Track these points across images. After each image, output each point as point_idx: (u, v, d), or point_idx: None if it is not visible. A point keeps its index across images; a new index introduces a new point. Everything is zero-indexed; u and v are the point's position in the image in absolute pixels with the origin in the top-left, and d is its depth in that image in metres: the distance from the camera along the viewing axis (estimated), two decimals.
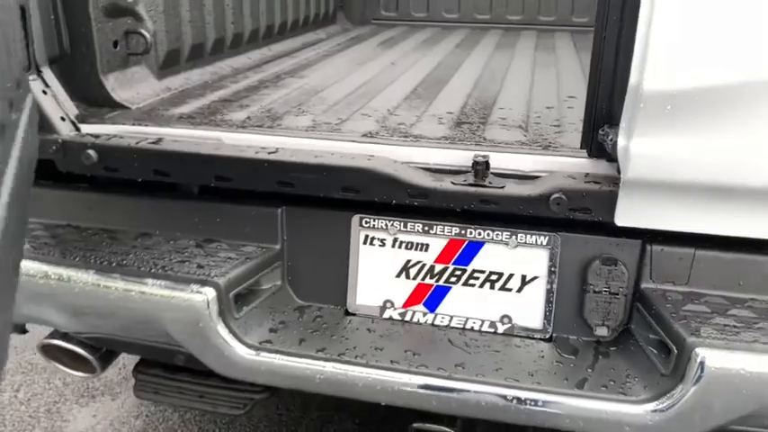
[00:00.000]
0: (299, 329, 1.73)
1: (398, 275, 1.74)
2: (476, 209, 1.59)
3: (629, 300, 1.63)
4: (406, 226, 1.71)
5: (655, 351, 1.54)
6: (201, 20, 2.50)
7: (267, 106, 2.09)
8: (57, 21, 1.85)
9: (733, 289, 1.57)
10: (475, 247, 1.69)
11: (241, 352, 1.64)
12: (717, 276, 1.57)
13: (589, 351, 1.65)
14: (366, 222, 1.73)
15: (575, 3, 4.03)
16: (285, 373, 1.63)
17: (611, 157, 1.52)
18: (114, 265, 1.70)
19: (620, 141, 1.43)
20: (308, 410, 2.89)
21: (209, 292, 1.62)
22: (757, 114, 1.32)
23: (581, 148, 1.62)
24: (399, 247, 1.73)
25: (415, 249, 1.72)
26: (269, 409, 2.87)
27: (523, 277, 1.69)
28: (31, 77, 1.74)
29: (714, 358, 1.38)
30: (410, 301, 1.75)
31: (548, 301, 1.68)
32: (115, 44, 2.03)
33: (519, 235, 1.67)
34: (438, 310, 1.74)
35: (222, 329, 1.64)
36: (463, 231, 1.69)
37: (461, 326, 1.73)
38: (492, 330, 1.71)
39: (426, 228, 1.70)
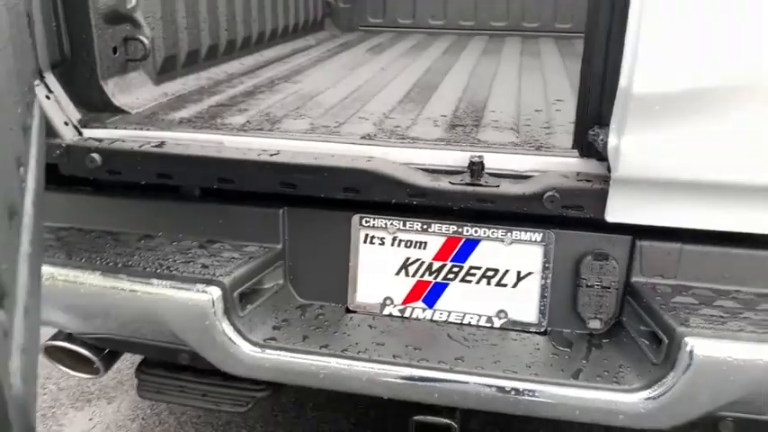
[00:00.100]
0: (302, 327, 1.78)
1: (398, 273, 1.80)
2: (473, 207, 1.65)
3: (621, 293, 1.70)
4: (405, 225, 1.77)
5: (646, 342, 1.61)
6: (197, 26, 2.55)
7: (265, 110, 2.14)
8: (58, 26, 1.89)
9: (718, 281, 1.64)
10: (471, 244, 1.75)
11: (246, 349, 1.68)
12: (703, 269, 1.65)
13: (583, 343, 1.71)
14: (366, 222, 1.78)
15: (557, 10, 4.12)
16: (290, 370, 1.67)
17: (602, 157, 1.59)
18: (120, 266, 1.74)
19: (611, 141, 1.50)
20: (303, 411, 2.92)
21: (215, 292, 1.66)
22: (737, 115, 1.40)
23: (572, 148, 1.69)
24: (398, 245, 1.79)
25: (414, 247, 1.78)
26: (265, 409, 2.90)
27: (518, 273, 1.75)
28: (34, 83, 1.77)
29: (703, 347, 1.45)
30: (409, 298, 1.81)
31: (542, 296, 1.75)
32: (114, 50, 2.06)
33: (514, 232, 1.73)
34: (436, 306, 1.80)
35: (228, 328, 1.68)
36: (460, 229, 1.75)
37: (459, 321, 1.79)
38: (489, 325, 1.78)
39: (425, 226, 1.76)
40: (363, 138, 1.84)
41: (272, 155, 1.74)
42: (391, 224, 1.77)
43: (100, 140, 1.83)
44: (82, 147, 1.81)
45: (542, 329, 1.76)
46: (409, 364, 1.63)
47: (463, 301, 1.78)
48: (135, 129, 1.90)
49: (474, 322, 1.78)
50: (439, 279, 1.78)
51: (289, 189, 1.72)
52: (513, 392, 1.57)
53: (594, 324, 1.72)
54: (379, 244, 1.79)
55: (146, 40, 2.14)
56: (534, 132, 1.93)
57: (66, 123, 1.86)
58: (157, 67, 2.31)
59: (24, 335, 0.94)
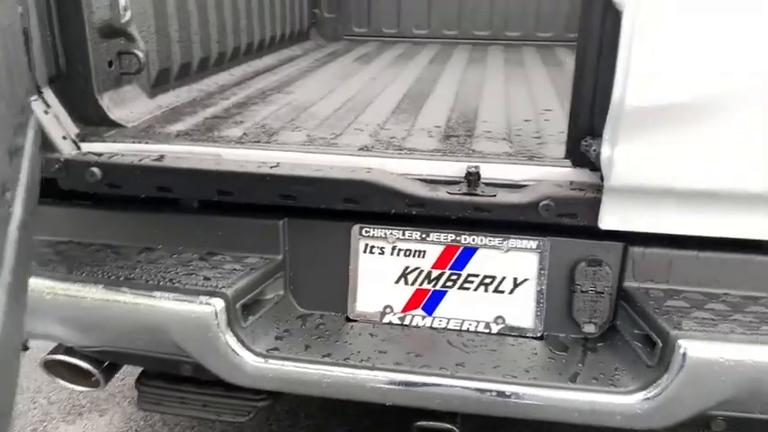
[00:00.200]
0: (304, 336, 1.80)
1: (397, 281, 1.84)
2: (470, 216, 1.69)
3: (614, 298, 1.75)
4: (404, 234, 1.81)
5: (640, 345, 1.67)
6: (189, 39, 2.56)
7: (260, 122, 2.16)
8: (53, 41, 1.90)
9: (708, 285, 1.71)
10: (469, 252, 1.80)
11: (250, 360, 1.70)
12: (693, 274, 1.71)
13: (578, 347, 1.76)
14: (366, 232, 1.82)
15: (539, 19, 4.21)
16: (294, 379, 1.70)
17: (594, 166, 1.65)
18: (122, 279, 1.75)
19: (604, 152, 1.56)
20: (297, 419, 2.94)
21: (218, 303, 1.68)
22: (724, 126, 1.47)
23: (565, 158, 1.74)
24: (398, 254, 1.82)
25: (413, 256, 1.82)
26: (259, 418, 2.91)
27: (515, 280, 1.80)
28: (32, 98, 1.78)
29: (696, 349, 1.51)
30: (409, 306, 1.84)
31: (538, 302, 1.79)
32: (110, 64, 2.07)
33: (510, 240, 1.78)
34: (435, 314, 1.84)
35: (231, 339, 1.70)
36: (458, 238, 1.79)
37: (458, 327, 1.83)
38: (487, 331, 1.82)
39: (423, 235, 1.80)
40: (361, 149, 1.87)
41: (272, 167, 1.76)
42: (390, 234, 1.81)
43: (99, 155, 1.84)
44: (81, 161, 1.82)
45: (539, 334, 1.81)
46: (412, 371, 1.66)
47: (462, 307, 1.82)
48: (133, 142, 1.92)
49: (472, 328, 1.82)
50: (438, 287, 1.82)
51: (289, 201, 1.75)
52: (513, 397, 1.61)
53: (589, 328, 1.77)
54: (379, 253, 1.83)
55: (140, 54, 2.15)
56: (526, 142, 1.98)
57: (64, 138, 1.87)
58: (151, 80, 2.32)
59: None
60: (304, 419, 2.94)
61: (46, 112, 1.85)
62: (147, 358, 1.85)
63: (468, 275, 1.81)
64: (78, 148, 1.89)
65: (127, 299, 1.71)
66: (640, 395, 1.57)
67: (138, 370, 2.10)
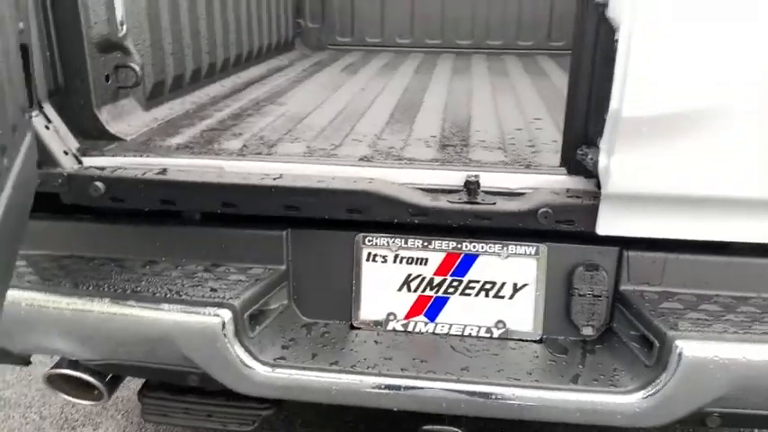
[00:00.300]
0: (310, 345, 1.83)
1: (400, 289, 1.88)
2: (471, 224, 1.74)
3: (611, 301, 1.82)
4: (406, 242, 1.85)
5: (637, 346, 1.73)
6: (181, 51, 2.58)
7: (258, 134, 2.19)
8: (52, 56, 1.90)
9: (701, 287, 1.78)
10: (470, 259, 1.84)
11: (258, 369, 1.73)
12: (686, 276, 1.78)
13: (577, 349, 1.82)
14: (369, 240, 1.85)
15: (520, 28, 4.29)
16: (302, 387, 1.72)
17: (589, 174, 1.71)
18: (129, 292, 1.76)
19: (601, 160, 1.62)
20: (292, 427, 2.95)
21: (226, 314, 1.70)
22: (717, 135, 1.53)
23: (560, 166, 1.80)
24: (400, 262, 1.86)
25: (415, 264, 1.86)
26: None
27: (515, 285, 1.85)
28: (33, 114, 1.78)
29: (692, 348, 1.58)
30: (412, 313, 1.89)
31: (537, 306, 1.85)
32: (107, 78, 2.08)
33: (510, 246, 1.83)
34: (438, 320, 1.88)
35: (239, 349, 1.72)
36: (459, 245, 1.84)
37: (461, 333, 1.87)
38: (489, 335, 1.87)
39: (425, 243, 1.84)
40: (362, 160, 1.91)
41: (275, 179, 1.79)
42: (393, 242, 1.85)
43: (102, 169, 1.85)
44: (84, 176, 1.83)
45: (538, 338, 1.86)
46: (418, 377, 1.70)
47: (463, 313, 1.87)
48: (134, 156, 1.93)
49: (474, 333, 1.87)
50: (440, 293, 1.87)
51: (293, 212, 1.78)
52: (518, 399, 1.66)
53: (587, 331, 1.83)
54: (382, 262, 1.87)
55: (137, 67, 2.16)
56: (520, 151, 2.04)
57: (65, 153, 1.88)
58: (147, 93, 2.33)
59: None
60: (300, 426, 2.96)
61: (47, 128, 1.86)
62: (153, 370, 1.86)
63: (470, 281, 1.86)
64: (80, 162, 1.90)
65: (134, 312, 1.73)
66: (640, 394, 1.62)
67: (138, 383, 2.11)
